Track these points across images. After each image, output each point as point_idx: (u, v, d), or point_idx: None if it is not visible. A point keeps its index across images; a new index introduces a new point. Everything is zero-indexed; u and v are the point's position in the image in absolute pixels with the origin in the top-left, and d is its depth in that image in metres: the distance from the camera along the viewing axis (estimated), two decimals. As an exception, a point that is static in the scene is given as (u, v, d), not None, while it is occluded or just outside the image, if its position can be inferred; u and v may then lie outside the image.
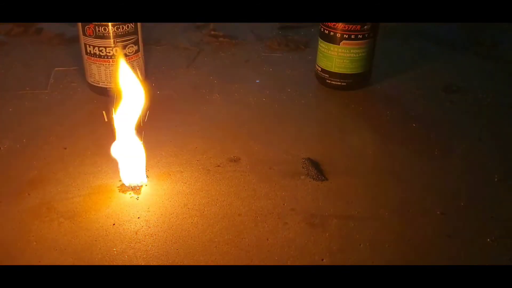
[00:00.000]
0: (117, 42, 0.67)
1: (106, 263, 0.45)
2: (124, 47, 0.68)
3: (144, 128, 0.53)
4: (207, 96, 0.73)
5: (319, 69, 0.75)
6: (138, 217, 0.50)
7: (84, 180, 0.55)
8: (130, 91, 0.52)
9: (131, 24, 0.68)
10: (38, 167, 0.57)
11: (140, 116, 0.53)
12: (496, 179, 0.57)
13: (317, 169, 0.57)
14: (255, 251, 0.47)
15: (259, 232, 0.49)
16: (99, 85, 0.70)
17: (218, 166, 0.58)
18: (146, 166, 0.55)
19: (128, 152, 0.52)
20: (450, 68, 0.83)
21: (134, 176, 0.54)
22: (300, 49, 0.89)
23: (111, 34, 0.67)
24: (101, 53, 0.68)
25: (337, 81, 0.74)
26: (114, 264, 0.45)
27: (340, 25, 0.70)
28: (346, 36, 0.70)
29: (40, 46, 0.88)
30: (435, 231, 0.49)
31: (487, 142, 0.63)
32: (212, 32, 0.93)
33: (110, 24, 0.66)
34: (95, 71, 0.70)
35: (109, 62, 0.68)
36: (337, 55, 0.72)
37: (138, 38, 0.70)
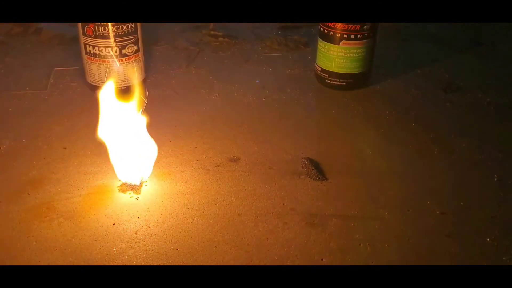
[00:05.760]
0: (117, 42, 0.67)
1: (106, 263, 0.45)
2: (123, 47, 0.68)
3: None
4: (207, 96, 0.73)
5: (319, 69, 0.75)
6: (138, 217, 0.50)
7: (84, 180, 0.55)
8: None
9: (131, 24, 0.68)
10: (38, 167, 0.57)
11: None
12: (496, 179, 0.57)
13: (317, 169, 0.57)
14: (254, 251, 0.47)
15: (259, 232, 0.49)
16: (99, 85, 0.70)
17: (218, 166, 0.58)
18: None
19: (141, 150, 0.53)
20: (450, 68, 0.83)
21: (138, 173, 0.54)
22: (300, 49, 0.89)
23: (111, 34, 0.67)
24: (101, 53, 0.68)
25: (337, 81, 0.74)
26: (114, 264, 0.45)
27: (339, 25, 0.70)
28: (346, 36, 0.70)
29: (40, 46, 0.88)
30: (435, 231, 0.49)
31: (487, 142, 0.63)
32: (212, 32, 0.93)
33: (110, 24, 0.66)
34: (95, 71, 0.70)
35: (109, 62, 0.68)
36: (337, 55, 0.72)
37: (138, 38, 0.70)
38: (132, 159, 0.53)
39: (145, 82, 0.75)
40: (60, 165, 0.57)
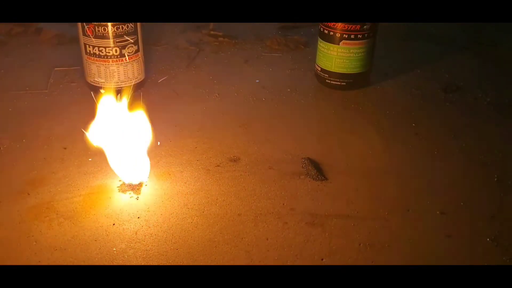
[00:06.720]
0: (117, 42, 0.67)
1: (106, 263, 0.45)
2: (123, 47, 0.68)
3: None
4: (207, 96, 0.73)
5: (319, 69, 0.75)
6: (138, 217, 0.50)
7: (84, 180, 0.55)
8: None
9: (131, 24, 0.68)
10: (38, 167, 0.57)
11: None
12: (496, 179, 0.57)
13: (317, 169, 0.57)
14: (254, 251, 0.47)
15: (259, 232, 0.49)
16: (98, 85, 0.70)
17: (218, 166, 0.58)
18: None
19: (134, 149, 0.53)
20: (450, 68, 0.83)
21: (136, 173, 0.54)
22: (300, 49, 0.89)
23: (111, 34, 0.67)
24: (101, 53, 0.68)
25: (337, 81, 0.74)
26: (114, 264, 0.45)
27: (339, 25, 0.70)
28: (346, 36, 0.70)
29: (40, 46, 0.88)
30: (435, 231, 0.49)
31: (487, 142, 0.63)
32: (212, 32, 0.93)
33: (110, 24, 0.66)
34: (95, 71, 0.70)
35: (109, 62, 0.68)
36: (337, 55, 0.72)
37: (138, 38, 0.70)
38: (131, 158, 0.53)
39: (145, 82, 0.75)
40: (60, 165, 0.57)
